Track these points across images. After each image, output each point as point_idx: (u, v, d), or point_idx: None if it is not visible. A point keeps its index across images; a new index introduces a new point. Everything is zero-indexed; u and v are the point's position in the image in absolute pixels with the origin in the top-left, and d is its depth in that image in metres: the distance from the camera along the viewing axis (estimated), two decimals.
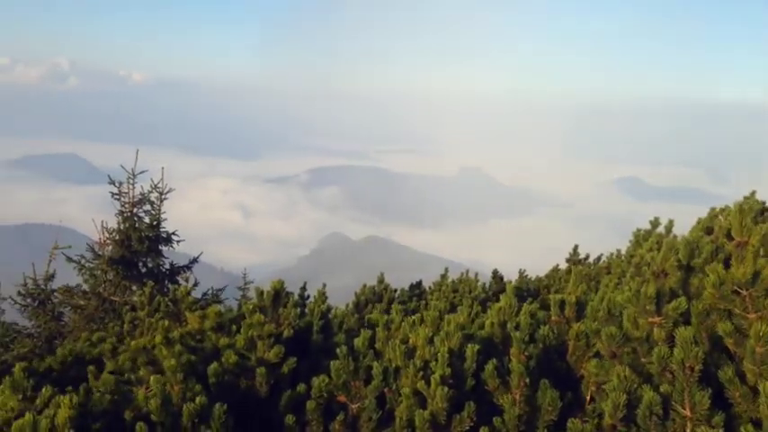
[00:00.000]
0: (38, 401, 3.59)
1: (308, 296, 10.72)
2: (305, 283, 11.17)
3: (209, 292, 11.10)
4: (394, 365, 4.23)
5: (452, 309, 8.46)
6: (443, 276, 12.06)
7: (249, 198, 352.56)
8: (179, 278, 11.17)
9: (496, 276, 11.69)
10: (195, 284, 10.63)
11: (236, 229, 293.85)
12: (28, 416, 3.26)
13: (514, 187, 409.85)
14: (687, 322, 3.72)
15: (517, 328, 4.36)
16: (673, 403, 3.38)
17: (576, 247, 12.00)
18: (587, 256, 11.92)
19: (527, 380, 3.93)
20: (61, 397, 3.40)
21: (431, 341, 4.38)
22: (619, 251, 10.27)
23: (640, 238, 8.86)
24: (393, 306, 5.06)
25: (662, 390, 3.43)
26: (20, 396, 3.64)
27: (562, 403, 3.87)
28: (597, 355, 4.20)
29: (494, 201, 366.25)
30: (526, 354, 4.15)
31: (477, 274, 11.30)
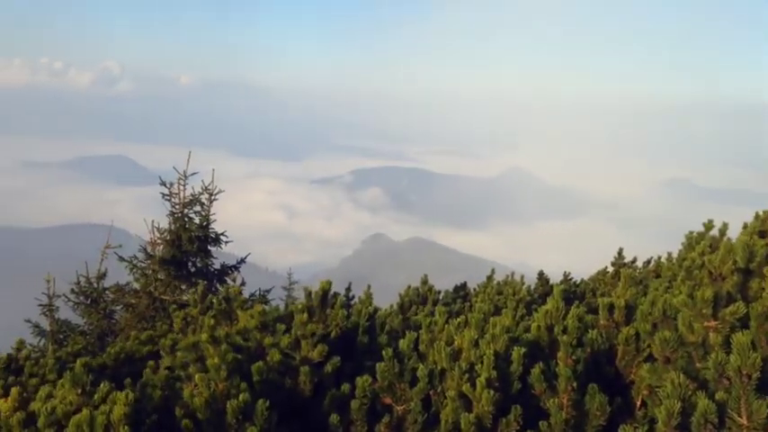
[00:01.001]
0: (96, 397, 3.70)
1: (353, 297, 10.76)
2: (350, 284, 11.23)
3: (257, 292, 11.25)
4: (439, 368, 4.22)
5: (497, 311, 8.38)
6: (489, 278, 11.95)
7: (293, 199, 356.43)
8: (227, 278, 11.37)
9: (542, 278, 11.54)
10: (242, 284, 10.81)
11: (280, 230, 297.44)
12: (85, 411, 3.36)
13: (560, 188, 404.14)
14: (745, 327, 3.60)
15: (564, 331, 4.29)
16: (729, 411, 3.28)
17: (620, 250, 11.75)
18: (635, 259, 11.66)
19: (574, 384, 3.86)
20: (117, 393, 3.50)
21: (476, 344, 4.35)
22: (669, 254, 10.01)
23: (693, 241, 8.62)
24: (437, 308, 5.04)
25: (717, 397, 3.32)
26: (79, 390, 3.77)
27: (611, 408, 3.80)
28: (647, 359, 4.11)
29: (538, 202, 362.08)
30: (573, 358, 4.08)
31: (522, 277, 11.17)
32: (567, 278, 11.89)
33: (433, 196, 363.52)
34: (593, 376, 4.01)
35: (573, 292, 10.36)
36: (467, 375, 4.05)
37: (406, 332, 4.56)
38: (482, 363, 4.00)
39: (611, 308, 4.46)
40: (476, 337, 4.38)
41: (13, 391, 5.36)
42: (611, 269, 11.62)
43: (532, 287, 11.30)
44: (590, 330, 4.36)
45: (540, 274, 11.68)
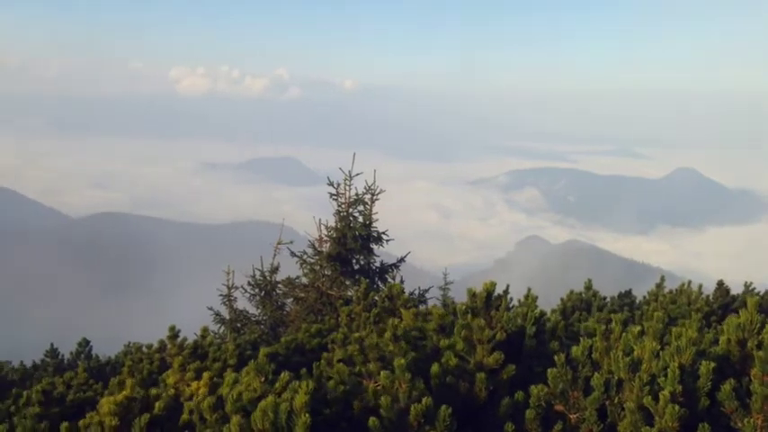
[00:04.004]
0: (277, 385, 3.95)
1: (511, 299, 10.57)
2: (507, 286, 11.05)
3: (416, 291, 11.43)
4: (616, 378, 4.03)
5: (671, 321, 7.87)
6: (659, 286, 11.27)
7: (448, 200, 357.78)
8: (387, 276, 11.67)
9: (722, 288, 10.64)
10: (402, 283, 11.04)
11: (434, 230, 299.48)
12: (270, 398, 3.59)
13: (735, 191, 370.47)
14: None
15: (760, 346, 3.94)
16: None
17: None
18: None
19: None
20: (298, 382, 3.71)
21: (657, 355, 4.10)
22: None
23: None
24: (613, 316, 4.80)
25: None
26: (262, 378, 4.04)
27: None
28: None
29: (712, 205, 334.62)
30: None
31: (700, 286, 10.39)
32: (748, 288, 10.89)
33: (593, 198, 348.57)
34: None
35: (760, 305, 9.47)
36: (648, 387, 3.84)
37: (582, 339, 4.40)
38: (665, 375, 3.78)
39: None
40: (657, 347, 4.13)
41: (205, 375, 5.89)
42: None
43: (710, 297, 10.48)
44: None
45: (720, 284, 10.79)
